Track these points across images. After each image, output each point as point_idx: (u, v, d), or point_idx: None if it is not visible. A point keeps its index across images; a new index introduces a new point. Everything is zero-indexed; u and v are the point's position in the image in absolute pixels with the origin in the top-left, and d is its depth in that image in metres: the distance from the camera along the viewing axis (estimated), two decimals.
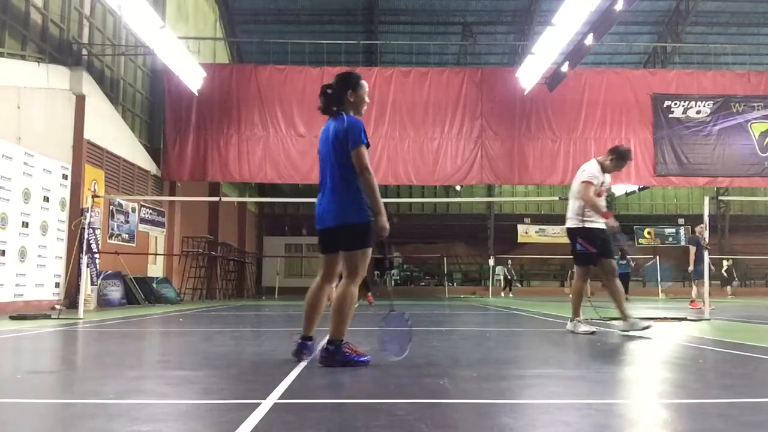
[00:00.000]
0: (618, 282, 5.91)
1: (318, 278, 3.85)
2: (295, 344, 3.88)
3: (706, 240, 8.80)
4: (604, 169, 5.99)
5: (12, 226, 10.56)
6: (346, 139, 3.68)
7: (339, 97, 3.82)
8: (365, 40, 23.93)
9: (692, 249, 12.57)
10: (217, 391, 3.00)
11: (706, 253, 8.86)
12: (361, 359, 3.70)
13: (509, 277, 25.67)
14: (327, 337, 3.74)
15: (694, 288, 12.72)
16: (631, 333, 5.74)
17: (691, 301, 12.59)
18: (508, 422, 2.32)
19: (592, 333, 5.89)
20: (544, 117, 17.87)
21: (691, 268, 12.58)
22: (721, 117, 18.07)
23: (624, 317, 5.82)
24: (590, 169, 5.94)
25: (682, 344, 5.34)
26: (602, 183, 5.93)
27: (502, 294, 24.23)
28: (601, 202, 5.92)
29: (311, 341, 3.88)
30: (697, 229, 11.92)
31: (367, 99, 3.92)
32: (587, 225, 5.87)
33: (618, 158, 5.94)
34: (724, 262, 23.29)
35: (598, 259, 5.87)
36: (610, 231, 5.95)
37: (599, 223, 5.85)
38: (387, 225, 3.67)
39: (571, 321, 6.16)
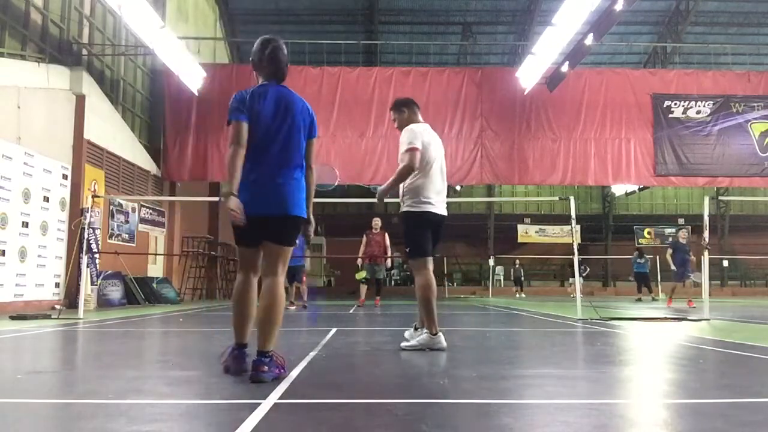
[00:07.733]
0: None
1: None
2: None
3: (706, 240, 8.79)
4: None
5: (12, 226, 10.56)
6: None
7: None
8: (365, 40, 23.93)
9: (669, 251, 13.91)
10: (217, 391, 3.00)
11: (706, 254, 8.85)
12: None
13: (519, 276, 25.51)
14: None
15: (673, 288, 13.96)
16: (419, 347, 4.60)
17: (669, 298, 13.80)
18: (508, 422, 2.32)
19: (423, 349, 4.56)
20: (544, 117, 17.85)
21: (673, 268, 13.65)
22: (721, 117, 18.05)
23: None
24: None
25: (682, 344, 5.34)
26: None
27: (517, 295, 23.87)
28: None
29: None
30: (680, 234, 14.29)
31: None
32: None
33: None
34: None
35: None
36: None
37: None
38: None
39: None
